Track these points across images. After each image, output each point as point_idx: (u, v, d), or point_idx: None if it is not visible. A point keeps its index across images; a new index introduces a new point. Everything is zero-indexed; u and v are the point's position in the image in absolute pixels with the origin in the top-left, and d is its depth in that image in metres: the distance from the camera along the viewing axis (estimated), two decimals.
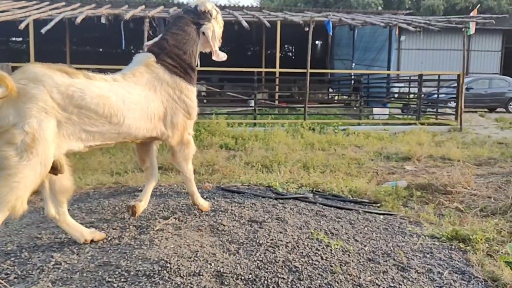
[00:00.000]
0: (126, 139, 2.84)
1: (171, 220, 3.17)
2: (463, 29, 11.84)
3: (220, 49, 3.44)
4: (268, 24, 11.05)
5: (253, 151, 7.34)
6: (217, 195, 3.97)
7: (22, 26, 9.14)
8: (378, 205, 4.43)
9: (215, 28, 3.31)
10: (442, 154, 7.58)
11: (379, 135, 9.76)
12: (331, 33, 12.08)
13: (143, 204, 3.22)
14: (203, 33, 3.25)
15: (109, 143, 2.78)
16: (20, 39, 23.45)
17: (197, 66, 3.38)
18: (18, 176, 2.28)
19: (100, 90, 2.61)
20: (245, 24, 10.25)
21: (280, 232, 2.95)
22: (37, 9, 12.71)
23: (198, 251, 2.63)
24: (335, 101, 17.05)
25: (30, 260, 2.61)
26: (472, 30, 11.46)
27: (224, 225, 3.04)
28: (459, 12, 25.61)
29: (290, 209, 3.58)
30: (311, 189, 4.69)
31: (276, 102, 14.13)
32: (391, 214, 4.03)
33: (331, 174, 5.81)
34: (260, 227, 3.04)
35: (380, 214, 3.98)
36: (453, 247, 3.21)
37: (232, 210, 3.39)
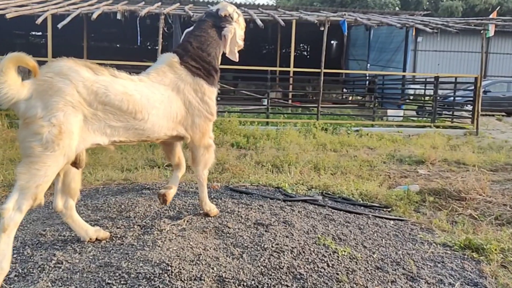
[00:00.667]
0: (150, 137, 2.86)
1: (181, 222, 3.10)
2: (482, 31, 11.59)
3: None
4: (283, 23, 10.96)
5: (264, 150, 7.27)
6: (224, 196, 3.91)
7: (39, 21, 9.20)
8: (389, 209, 4.33)
9: (236, 30, 3.37)
10: (457, 159, 7.42)
11: (393, 137, 9.61)
12: (346, 33, 11.95)
13: (172, 191, 3.31)
14: (225, 36, 3.32)
15: (132, 140, 2.80)
16: (40, 33, 23.72)
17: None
18: (39, 164, 2.34)
19: (124, 88, 2.66)
20: (259, 22, 10.18)
21: (286, 237, 2.88)
22: (55, 3, 12.82)
23: (201, 254, 2.57)
24: (349, 102, 16.89)
25: (32, 257, 2.58)
26: (491, 33, 11.22)
27: (229, 228, 2.97)
28: (478, 14, 25.17)
29: (298, 212, 3.51)
30: (320, 191, 4.61)
31: (290, 101, 14.04)
32: (402, 220, 3.93)
33: (342, 176, 5.71)
34: (266, 231, 2.97)
35: (390, 219, 3.88)
36: (465, 256, 3.10)
37: (238, 211, 3.33)
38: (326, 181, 4.92)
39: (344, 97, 17.43)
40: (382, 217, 3.85)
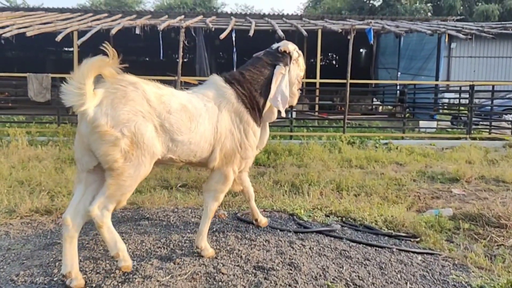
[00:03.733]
0: (197, 155, 2.84)
1: (170, 265, 2.75)
2: None
3: None
4: (305, 33, 10.60)
5: (284, 168, 6.88)
6: (229, 227, 3.55)
7: (59, 38, 9.23)
8: (417, 239, 3.86)
9: (293, 71, 3.28)
10: (495, 175, 6.79)
11: (424, 151, 9.00)
12: (371, 42, 11.46)
13: (260, 219, 3.53)
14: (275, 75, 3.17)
15: (182, 158, 2.81)
16: (72, 49, 24.29)
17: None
18: (125, 175, 2.50)
19: (179, 98, 2.78)
20: (280, 33, 9.87)
21: (289, 285, 2.48)
22: (79, 20, 12.96)
23: None
24: (380, 112, 16.25)
25: None
26: None
27: (223, 274, 2.59)
28: None
29: (310, 248, 3.09)
30: (340, 218, 4.18)
31: (316, 113, 13.60)
32: (432, 254, 3.46)
33: (366, 197, 5.25)
34: (265, 278, 2.57)
35: (418, 253, 3.42)
36: None
37: (239, 250, 2.95)
38: (347, 206, 4.48)
39: (374, 107, 16.80)
40: (408, 251, 3.39)
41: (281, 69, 3.13)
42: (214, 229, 3.35)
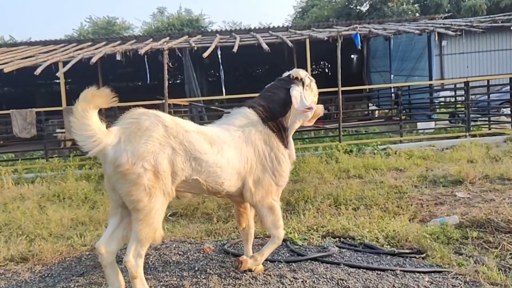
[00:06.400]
0: (223, 185, 2.76)
1: None
2: (511, 27, 10.63)
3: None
4: (290, 44, 10.41)
5: None
6: (213, 263, 3.22)
7: (38, 71, 9.02)
8: (423, 255, 3.55)
9: (306, 96, 3.22)
10: (500, 173, 6.50)
11: (424, 153, 8.70)
12: (359, 47, 11.23)
13: (251, 261, 3.09)
14: (292, 95, 3.14)
15: (209, 183, 2.72)
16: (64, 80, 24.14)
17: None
18: (152, 213, 2.46)
19: (195, 126, 2.76)
20: (265, 46, 9.67)
21: None
22: (63, 51, 12.81)
23: None
24: (376, 117, 15.97)
25: None
26: None
27: None
28: (504, 10, 23.93)
29: (302, 282, 2.77)
30: (337, 238, 3.87)
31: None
32: (440, 272, 3.15)
33: (366, 211, 4.95)
34: None
35: (425, 273, 3.11)
36: None
37: None
38: (345, 224, 4.18)
39: (369, 112, 16.53)
40: (413, 272, 3.08)
41: (296, 88, 3.12)
42: (196, 268, 3.04)
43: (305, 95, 3.19)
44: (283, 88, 3.16)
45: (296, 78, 3.21)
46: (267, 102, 3.10)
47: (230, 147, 2.77)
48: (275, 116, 3.06)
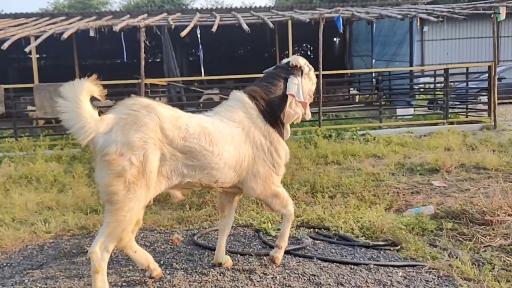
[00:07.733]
0: (219, 180, 2.69)
1: None
2: (492, 15, 10.61)
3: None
4: (271, 25, 10.15)
5: None
6: (180, 256, 3.08)
7: (5, 46, 8.56)
8: (397, 247, 3.49)
9: (304, 85, 3.16)
10: (475, 162, 6.52)
11: (402, 140, 8.69)
12: (341, 30, 11.06)
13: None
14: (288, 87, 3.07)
15: (203, 183, 2.66)
16: (38, 56, 23.29)
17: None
18: (125, 210, 2.34)
19: (198, 120, 2.65)
20: (245, 27, 9.40)
21: None
22: (34, 25, 12.26)
23: None
24: (356, 102, 15.92)
25: None
26: (502, 16, 10.24)
27: None
28: None
29: (272, 278, 2.66)
30: (312, 228, 3.78)
31: None
32: (414, 265, 3.09)
33: (342, 199, 4.87)
34: None
35: (398, 266, 3.04)
36: None
37: None
38: (321, 213, 4.09)
39: (350, 97, 16.47)
40: (387, 266, 3.01)
41: (294, 80, 3.03)
42: (162, 262, 2.90)
43: (303, 84, 3.14)
44: (282, 79, 3.08)
45: (296, 66, 3.13)
46: (267, 94, 3.01)
47: (230, 146, 2.70)
48: (274, 110, 3.00)
